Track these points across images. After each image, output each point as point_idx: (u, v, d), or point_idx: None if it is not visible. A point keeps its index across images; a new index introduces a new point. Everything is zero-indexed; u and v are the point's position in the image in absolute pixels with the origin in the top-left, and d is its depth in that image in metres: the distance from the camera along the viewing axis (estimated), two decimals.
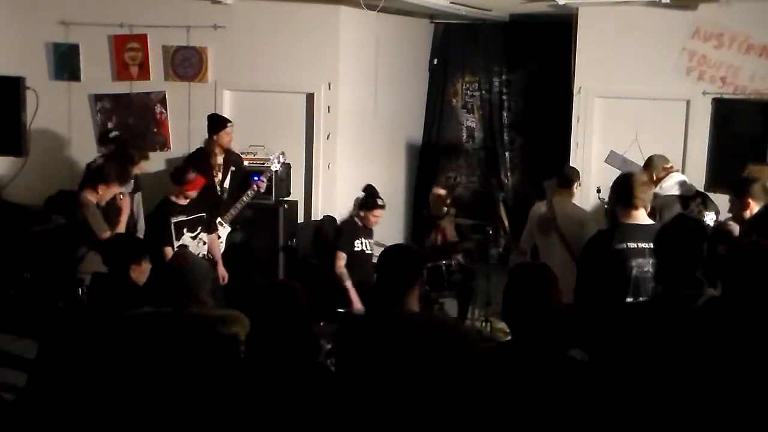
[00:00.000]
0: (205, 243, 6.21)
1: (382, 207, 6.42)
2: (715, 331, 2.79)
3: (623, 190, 4.05)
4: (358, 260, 6.28)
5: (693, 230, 3.26)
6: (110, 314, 3.45)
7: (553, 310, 2.72)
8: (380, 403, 1.47)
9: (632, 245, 3.81)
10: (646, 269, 3.75)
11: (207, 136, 6.91)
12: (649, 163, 6.36)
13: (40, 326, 4.43)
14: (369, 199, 6.43)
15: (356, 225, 6.43)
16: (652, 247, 3.69)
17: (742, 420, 2.56)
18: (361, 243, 6.34)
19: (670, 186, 6.17)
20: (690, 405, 2.66)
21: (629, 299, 3.75)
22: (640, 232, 3.85)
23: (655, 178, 6.01)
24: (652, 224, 3.93)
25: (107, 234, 5.61)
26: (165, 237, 5.89)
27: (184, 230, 6.04)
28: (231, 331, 3.06)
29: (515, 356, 2.66)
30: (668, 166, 6.33)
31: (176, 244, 5.94)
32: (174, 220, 5.97)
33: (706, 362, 2.70)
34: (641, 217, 3.99)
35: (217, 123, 6.86)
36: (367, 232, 6.45)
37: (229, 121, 6.88)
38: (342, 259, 6.21)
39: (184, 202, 6.04)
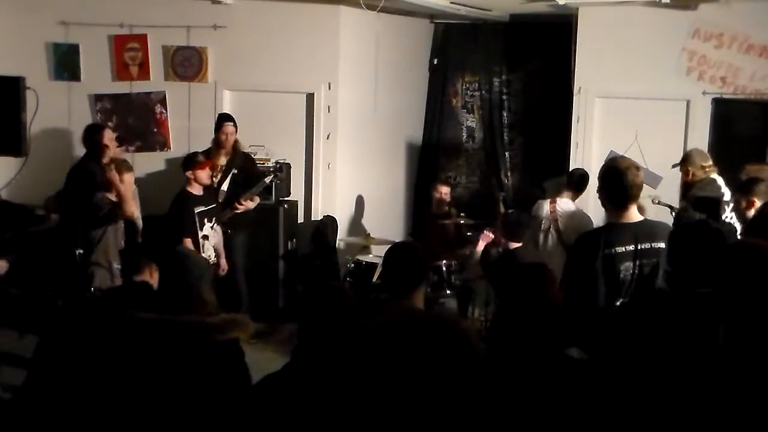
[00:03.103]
0: (216, 233, 6.25)
1: None
2: (717, 331, 2.78)
3: (616, 189, 3.74)
4: None
5: (713, 238, 3.23)
6: (114, 314, 3.45)
7: (553, 310, 2.72)
8: (382, 398, 1.46)
9: (620, 250, 3.64)
10: (630, 272, 3.64)
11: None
12: (687, 158, 6.04)
13: (39, 325, 4.43)
14: None
15: None
16: (639, 248, 3.64)
17: (742, 419, 2.56)
18: None
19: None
20: (691, 404, 2.66)
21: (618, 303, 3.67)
22: (627, 233, 3.68)
23: (690, 176, 5.77)
24: (640, 221, 3.77)
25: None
26: (189, 227, 5.90)
27: (205, 220, 6.08)
28: (228, 337, 3.05)
29: (514, 356, 2.65)
30: (707, 164, 5.94)
31: (200, 234, 5.98)
32: (197, 210, 6.00)
33: (707, 362, 2.70)
34: (632, 214, 3.74)
35: (217, 121, 6.84)
36: None
37: (227, 120, 6.76)
38: None
39: (199, 191, 6.06)
